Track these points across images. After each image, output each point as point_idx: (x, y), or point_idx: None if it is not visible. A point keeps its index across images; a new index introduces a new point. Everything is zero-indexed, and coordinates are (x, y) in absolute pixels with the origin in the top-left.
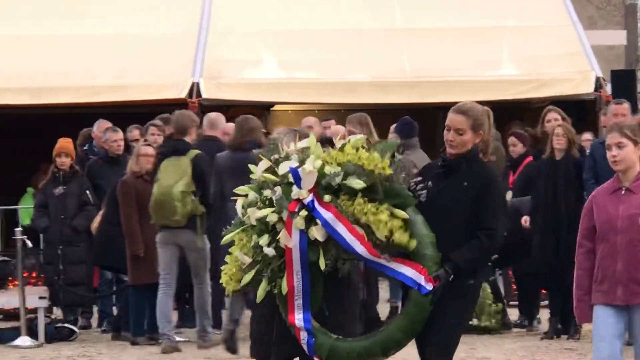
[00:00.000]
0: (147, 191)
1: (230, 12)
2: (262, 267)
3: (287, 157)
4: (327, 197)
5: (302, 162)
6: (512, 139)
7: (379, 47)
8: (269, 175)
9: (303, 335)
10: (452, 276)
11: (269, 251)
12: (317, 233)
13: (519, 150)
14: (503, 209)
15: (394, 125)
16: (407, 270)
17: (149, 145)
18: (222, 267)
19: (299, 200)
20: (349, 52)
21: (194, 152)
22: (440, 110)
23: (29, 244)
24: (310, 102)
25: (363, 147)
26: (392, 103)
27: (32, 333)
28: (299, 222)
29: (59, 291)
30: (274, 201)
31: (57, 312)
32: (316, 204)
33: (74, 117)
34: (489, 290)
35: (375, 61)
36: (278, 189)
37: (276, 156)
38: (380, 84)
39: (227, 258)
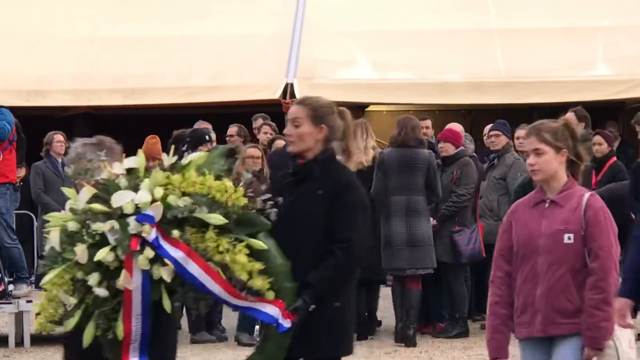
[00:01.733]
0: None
1: (324, 12)
2: (91, 310)
3: (116, 185)
4: (175, 233)
5: (134, 189)
6: (597, 138)
7: (473, 47)
8: (97, 206)
9: None
10: (312, 306)
11: (101, 292)
12: (165, 274)
13: (604, 150)
14: (361, 217)
15: (489, 126)
16: (269, 308)
17: (256, 146)
18: (34, 305)
19: (138, 236)
20: (443, 52)
21: None
22: (535, 110)
23: None
24: (405, 102)
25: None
26: (486, 104)
27: None
28: (142, 262)
29: None
30: (112, 239)
31: None
32: (162, 242)
33: (169, 118)
34: None
35: (470, 61)
36: (114, 225)
37: (97, 178)
38: (475, 84)
39: (41, 295)
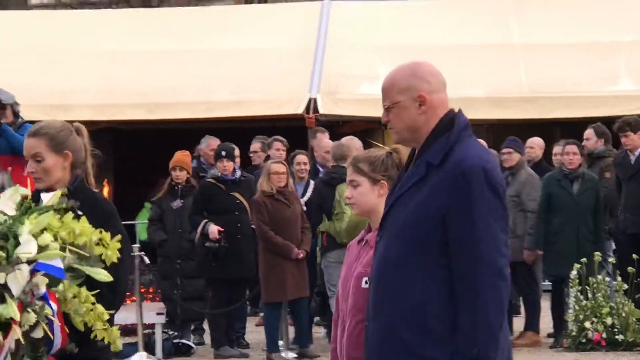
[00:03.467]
0: (278, 210)
1: (347, 27)
2: None
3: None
4: (65, 285)
5: (4, 236)
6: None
7: (496, 62)
8: None
9: None
10: (76, 349)
11: None
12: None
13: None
14: (126, 249)
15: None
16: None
17: (281, 162)
18: None
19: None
20: (465, 67)
21: None
22: (557, 125)
23: (146, 260)
24: None
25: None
26: (509, 119)
27: (150, 349)
28: (32, 318)
29: (175, 306)
30: (16, 291)
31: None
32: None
33: (192, 132)
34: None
35: (492, 76)
36: (18, 275)
37: None
38: (497, 100)
39: None
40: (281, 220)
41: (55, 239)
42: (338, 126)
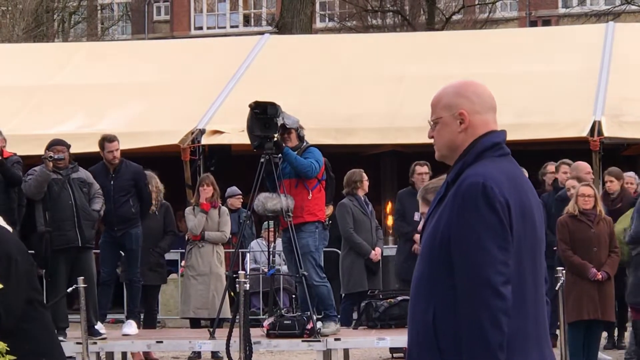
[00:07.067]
0: (580, 230)
1: (631, 49)
2: None
3: None
4: None
5: None
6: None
7: None
8: None
9: None
10: None
11: None
12: None
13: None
14: (14, 272)
15: None
16: None
17: (589, 185)
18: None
19: None
20: None
21: None
22: None
23: None
24: None
25: None
26: None
27: None
28: None
29: None
30: None
31: None
32: None
33: None
34: None
35: None
36: None
37: None
38: None
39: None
40: (581, 240)
41: None
42: (623, 149)
